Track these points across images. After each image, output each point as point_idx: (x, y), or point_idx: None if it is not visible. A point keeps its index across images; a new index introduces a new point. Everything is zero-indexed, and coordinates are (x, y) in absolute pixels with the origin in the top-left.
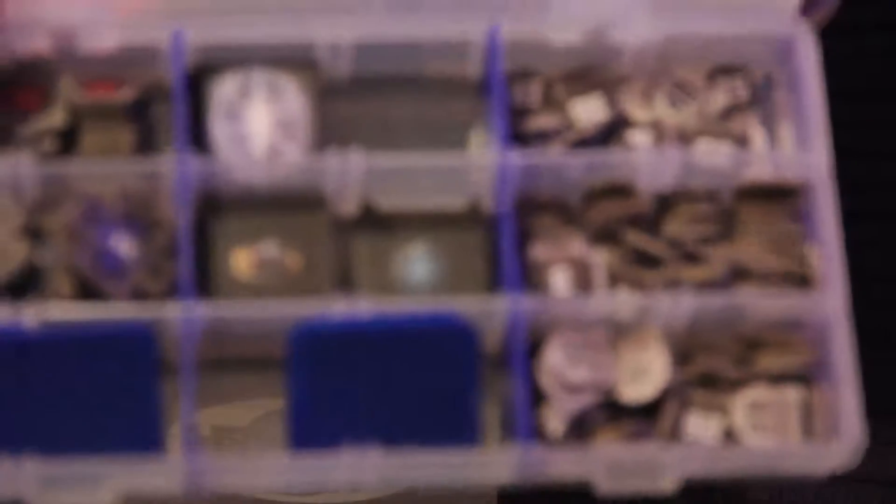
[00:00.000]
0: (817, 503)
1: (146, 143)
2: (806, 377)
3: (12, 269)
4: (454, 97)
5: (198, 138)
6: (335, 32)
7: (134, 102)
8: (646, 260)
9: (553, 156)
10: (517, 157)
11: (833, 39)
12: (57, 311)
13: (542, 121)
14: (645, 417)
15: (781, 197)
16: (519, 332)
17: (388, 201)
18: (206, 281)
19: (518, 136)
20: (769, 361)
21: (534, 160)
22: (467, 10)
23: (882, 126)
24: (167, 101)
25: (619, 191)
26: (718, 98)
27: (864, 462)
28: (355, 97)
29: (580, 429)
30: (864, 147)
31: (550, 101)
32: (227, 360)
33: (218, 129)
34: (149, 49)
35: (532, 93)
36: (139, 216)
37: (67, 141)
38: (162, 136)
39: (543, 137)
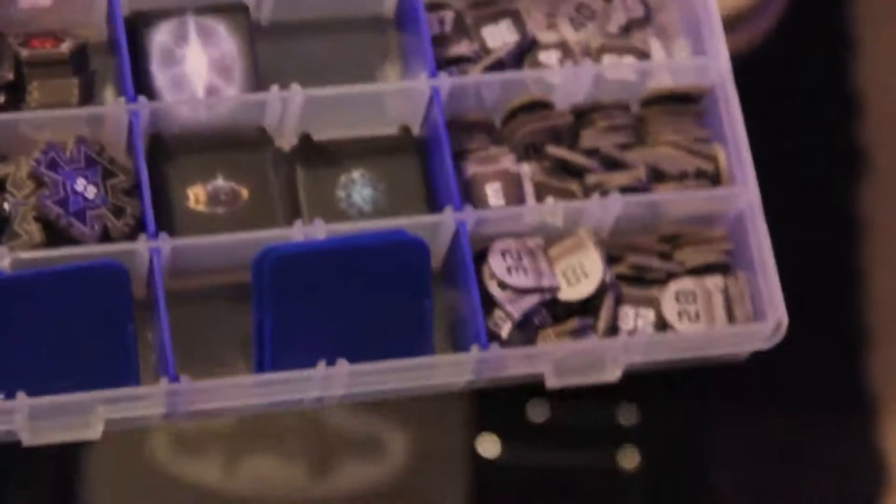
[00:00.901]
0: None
1: (89, 92)
2: (726, 267)
3: None
4: (370, 34)
5: (138, 85)
6: None
7: (75, 53)
8: (569, 170)
9: (476, 77)
10: (445, 81)
11: None
12: (29, 254)
13: (459, 48)
14: (585, 314)
15: (686, 102)
16: (464, 244)
17: (324, 133)
18: (165, 218)
19: (438, 63)
20: (691, 255)
21: (460, 83)
22: None
23: None
24: (104, 51)
25: (538, 106)
26: (616, 16)
27: None
28: (279, 40)
29: (527, 329)
30: None
31: (463, 30)
32: (192, 291)
33: (158, 74)
34: (84, 2)
35: (446, 22)
36: (97, 160)
37: (15, 94)
38: (103, 84)
39: (461, 63)
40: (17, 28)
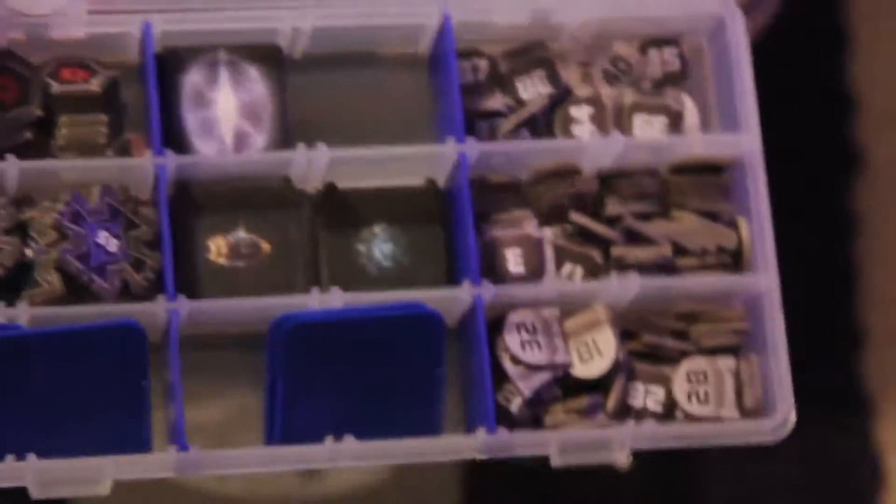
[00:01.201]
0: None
1: (118, 127)
2: (739, 348)
3: (8, 266)
4: (403, 71)
5: (166, 125)
6: (297, 20)
7: (106, 90)
8: (592, 237)
9: (505, 143)
10: (472, 147)
11: None
12: (47, 310)
13: (492, 102)
14: (594, 389)
15: (714, 173)
16: (479, 320)
17: (349, 180)
18: (184, 270)
19: (469, 114)
20: (705, 334)
21: (488, 148)
22: None
23: None
24: (134, 84)
25: (565, 172)
26: (651, 70)
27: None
28: (312, 72)
29: (536, 404)
30: None
31: (496, 79)
32: (206, 338)
33: (187, 116)
34: (117, 36)
35: (480, 71)
36: (120, 211)
37: (43, 129)
38: (131, 117)
39: (493, 117)
40: (48, 56)
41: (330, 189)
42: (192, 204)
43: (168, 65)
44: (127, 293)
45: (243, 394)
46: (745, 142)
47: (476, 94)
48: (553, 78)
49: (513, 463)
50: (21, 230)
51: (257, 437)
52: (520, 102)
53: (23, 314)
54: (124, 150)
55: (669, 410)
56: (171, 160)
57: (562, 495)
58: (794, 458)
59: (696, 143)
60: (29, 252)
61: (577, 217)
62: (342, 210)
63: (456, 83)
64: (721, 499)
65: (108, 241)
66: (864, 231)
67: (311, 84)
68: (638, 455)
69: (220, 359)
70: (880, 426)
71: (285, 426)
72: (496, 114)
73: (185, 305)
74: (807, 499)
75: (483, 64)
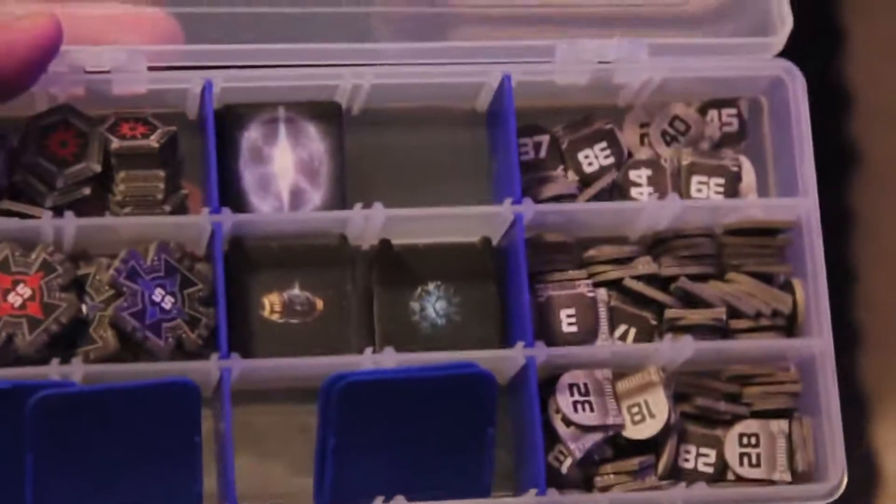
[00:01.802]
0: None
1: (175, 182)
2: (793, 411)
3: (64, 322)
4: (462, 130)
5: (223, 180)
6: (357, 77)
7: (164, 146)
8: (646, 299)
9: (562, 205)
10: (529, 208)
11: None
12: (100, 367)
13: (556, 188)
14: (646, 452)
15: (769, 235)
16: (532, 382)
17: (404, 237)
18: (238, 324)
19: (534, 197)
20: (758, 397)
21: (543, 209)
22: (480, 55)
23: None
24: (190, 136)
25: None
26: (709, 130)
27: None
28: (367, 130)
29: (587, 465)
30: None
31: (557, 154)
32: (256, 394)
33: (245, 173)
34: (177, 91)
35: (542, 147)
36: (176, 269)
37: (102, 184)
38: (186, 170)
39: (561, 200)
40: (106, 110)
41: (385, 246)
42: (247, 261)
43: (227, 121)
44: (180, 350)
45: (292, 448)
46: (802, 205)
47: (539, 170)
48: (614, 147)
49: None
50: (77, 286)
51: (305, 492)
52: (582, 175)
53: (77, 371)
54: (181, 205)
55: (721, 473)
56: (228, 218)
57: None
58: None
59: (754, 206)
60: (84, 308)
61: (633, 283)
62: (396, 267)
63: (514, 143)
64: None
65: (163, 298)
66: (860, 229)
67: (367, 139)
68: None
69: (270, 413)
70: (877, 425)
71: (335, 484)
72: (566, 198)
73: (238, 364)
74: None
75: (545, 140)
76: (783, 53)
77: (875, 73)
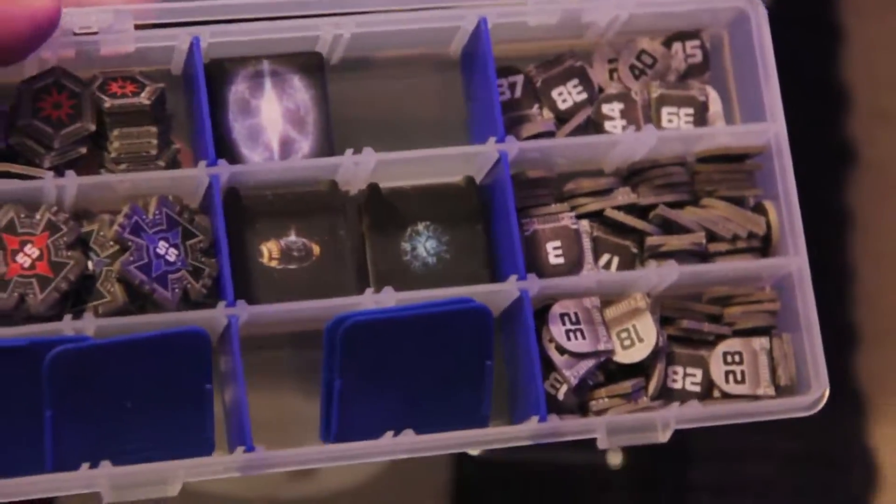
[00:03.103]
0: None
1: (166, 138)
2: (772, 328)
3: (72, 279)
4: (436, 74)
5: (214, 132)
6: (338, 27)
7: (154, 102)
8: (626, 230)
9: (543, 141)
10: (513, 146)
11: None
12: (111, 321)
13: (534, 126)
14: (635, 374)
15: (738, 160)
16: (527, 313)
17: (391, 181)
18: (239, 273)
19: (513, 134)
20: (739, 317)
21: (527, 146)
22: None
23: None
24: (177, 94)
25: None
26: (675, 63)
27: None
28: (347, 79)
29: (582, 390)
30: None
31: (532, 93)
32: (259, 339)
33: (234, 125)
34: (163, 49)
35: (517, 87)
36: (178, 221)
37: (96, 143)
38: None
39: (540, 137)
40: (96, 71)
41: (374, 190)
42: (243, 211)
43: (213, 76)
44: (186, 301)
45: (296, 392)
46: (771, 129)
47: (515, 110)
48: (586, 83)
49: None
50: (81, 243)
51: (312, 434)
52: (557, 112)
53: (89, 326)
54: (174, 160)
55: (707, 391)
56: (225, 169)
57: (551, 495)
58: (788, 458)
59: (725, 133)
60: (90, 264)
61: (614, 213)
62: (386, 210)
63: (494, 84)
64: (717, 498)
65: (167, 250)
66: (860, 229)
67: (347, 88)
68: (631, 455)
69: (273, 359)
70: (874, 424)
71: (342, 422)
72: (543, 134)
73: (244, 310)
74: (802, 498)
75: (519, 80)
76: (782, 51)
77: (874, 73)
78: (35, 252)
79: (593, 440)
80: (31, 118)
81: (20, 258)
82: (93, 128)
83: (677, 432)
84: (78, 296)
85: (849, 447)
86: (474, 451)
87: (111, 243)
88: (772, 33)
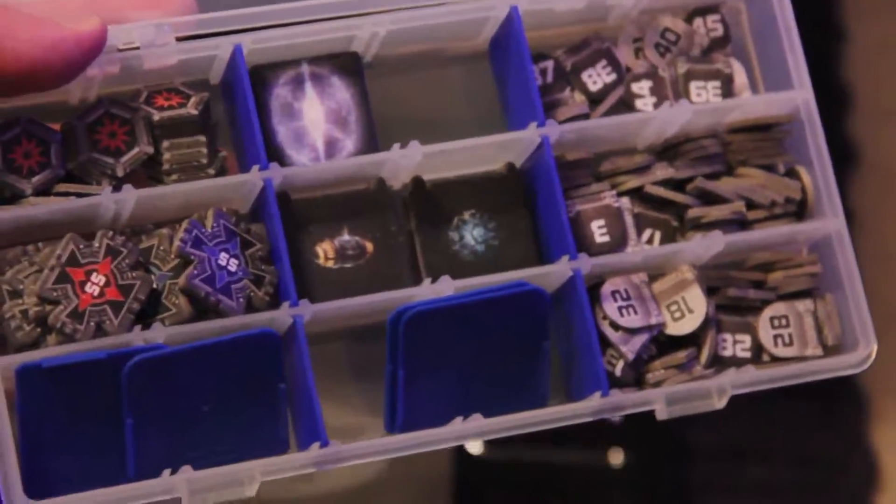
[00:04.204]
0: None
1: (213, 147)
2: (815, 290)
3: (142, 298)
4: (467, 65)
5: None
6: (375, 25)
7: (201, 111)
8: (666, 202)
9: (581, 123)
10: (554, 129)
11: None
12: (181, 329)
13: (569, 110)
14: (686, 345)
15: (767, 129)
16: (581, 292)
17: (433, 173)
18: (297, 276)
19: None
20: (782, 281)
21: (567, 128)
22: None
23: None
24: (218, 101)
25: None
26: (698, 38)
27: None
28: (382, 76)
29: (637, 364)
30: None
31: (563, 76)
32: (319, 336)
33: (279, 128)
34: (201, 59)
35: (548, 72)
36: (235, 232)
37: (150, 159)
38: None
39: (574, 120)
40: (140, 85)
41: (418, 183)
42: (296, 214)
43: (255, 82)
44: (250, 309)
45: (357, 385)
46: (799, 96)
47: (548, 95)
48: (614, 64)
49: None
50: (147, 263)
51: (375, 426)
52: (588, 94)
53: (159, 335)
54: (222, 167)
55: (757, 356)
56: (277, 172)
57: (552, 495)
58: (790, 458)
59: (755, 103)
60: (154, 279)
61: (654, 189)
62: (431, 202)
63: (531, 70)
64: (715, 498)
65: (228, 261)
66: (859, 228)
67: (382, 85)
68: (632, 455)
69: (333, 354)
70: (876, 425)
71: (408, 411)
72: (580, 117)
73: (308, 310)
74: (803, 498)
75: (549, 65)
76: None
77: (875, 73)
78: (102, 279)
79: (592, 439)
80: (90, 152)
81: (89, 288)
82: (151, 150)
83: (679, 432)
84: (144, 312)
85: (850, 448)
86: (475, 450)
87: (171, 257)
88: None
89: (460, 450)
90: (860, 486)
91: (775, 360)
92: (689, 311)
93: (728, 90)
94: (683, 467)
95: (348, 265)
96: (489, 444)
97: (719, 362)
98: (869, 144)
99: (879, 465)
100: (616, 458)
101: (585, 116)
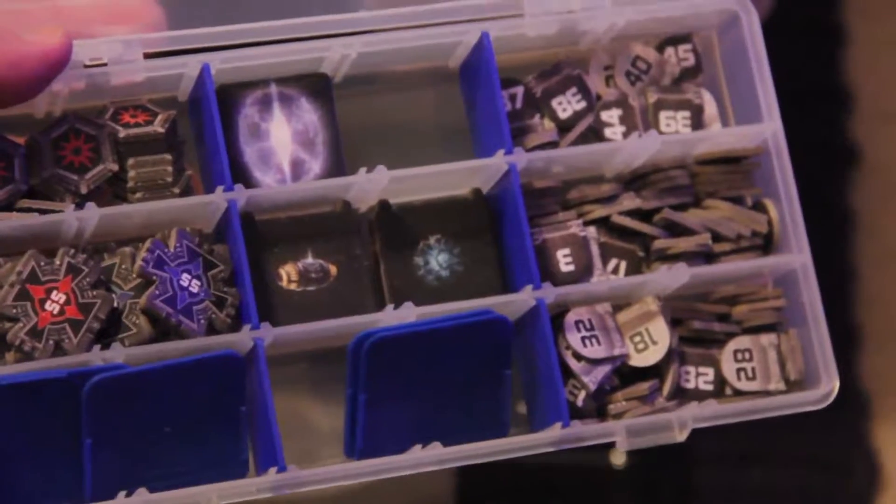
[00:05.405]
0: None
1: (179, 165)
2: (779, 325)
3: (103, 318)
4: (436, 87)
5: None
6: (346, 48)
7: (168, 130)
8: (632, 234)
9: (550, 154)
10: (521, 157)
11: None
12: (141, 350)
13: (538, 137)
14: (649, 376)
15: (736, 162)
16: (544, 321)
17: (399, 196)
18: (259, 297)
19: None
20: (747, 314)
21: (534, 156)
22: (453, 15)
23: None
24: (184, 120)
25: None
26: (669, 68)
27: None
28: (350, 97)
29: (599, 395)
30: None
31: (532, 103)
32: (279, 358)
33: (245, 149)
34: (170, 76)
35: (517, 98)
36: (198, 252)
37: (117, 178)
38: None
39: (544, 147)
40: (106, 101)
41: (384, 207)
42: (260, 235)
43: (222, 101)
44: (211, 331)
45: (316, 409)
46: (769, 129)
47: (517, 121)
48: (584, 92)
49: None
50: (108, 281)
51: (333, 450)
52: (558, 121)
53: (118, 356)
54: (187, 186)
55: (720, 389)
56: (242, 194)
57: (554, 496)
58: (791, 459)
59: (725, 135)
60: (115, 299)
61: (621, 219)
62: (397, 226)
63: (500, 97)
64: (717, 499)
65: (190, 282)
66: (861, 229)
67: (351, 106)
68: (634, 457)
69: (296, 378)
70: (877, 426)
71: (367, 437)
72: (548, 145)
73: (269, 333)
74: (805, 500)
75: (519, 91)
76: (785, 53)
77: (878, 74)
78: (62, 297)
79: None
80: (54, 168)
81: (49, 306)
82: (116, 168)
83: None
84: (104, 331)
85: (852, 449)
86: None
87: (133, 276)
88: (774, 35)
89: None
90: (862, 488)
91: (738, 393)
92: (652, 343)
93: (698, 121)
94: (685, 469)
95: (311, 288)
96: None
97: (682, 394)
98: (870, 145)
99: (881, 467)
100: (618, 459)
101: (555, 144)
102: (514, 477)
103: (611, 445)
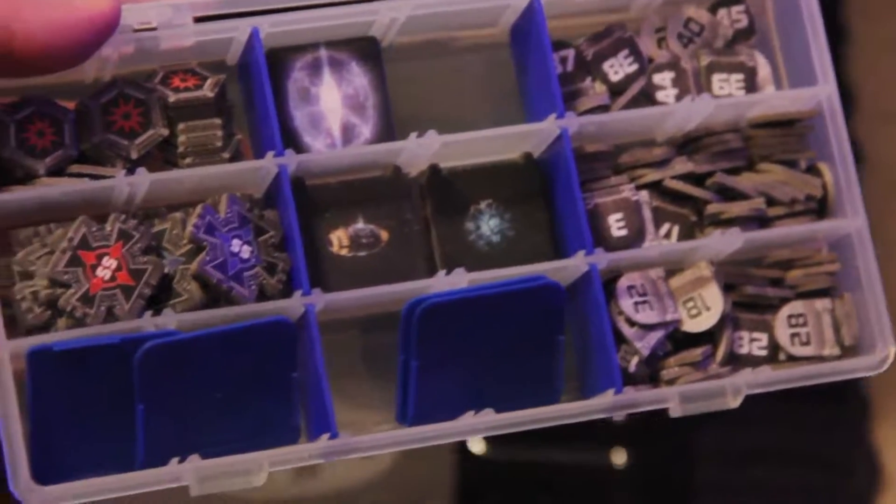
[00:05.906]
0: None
1: (229, 130)
2: (833, 289)
3: (154, 284)
4: (485, 53)
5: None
6: (395, 11)
7: (217, 94)
8: (685, 198)
9: (601, 115)
10: (573, 121)
11: None
12: (192, 315)
13: (590, 101)
14: (702, 342)
15: (790, 125)
16: (596, 287)
17: (450, 160)
18: (310, 263)
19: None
20: (801, 279)
21: (586, 121)
22: None
23: None
24: (232, 84)
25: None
26: (722, 30)
27: None
28: (399, 62)
29: (652, 361)
30: None
31: (584, 66)
32: (330, 325)
33: (295, 114)
34: (218, 41)
35: (568, 61)
36: (248, 218)
37: (167, 143)
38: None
39: (595, 111)
40: (155, 65)
41: (435, 171)
42: (311, 201)
43: (272, 65)
44: (262, 297)
45: (368, 375)
46: (823, 91)
47: (568, 84)
48: (636, 54)
49: None
50: (159, 247)
51: (386, 417)
52: (609, 84)
53: (170, 321)
54: (237, 151)
55: (773, 355)
56: (293, 159)
57: (554, 495)
58: (792, 459)
59: (779, 97)
60: (165, 265)
61: (674, 183)
62: (448, 191)
63: (551, 60)
64: (719, 498)
65: (241, 248)
66: None
67: (399, 70)
68: (635, 455)
69: (344, 343)
70: (879, 425)
71: (420, 404)
72: (600, 109)
73: (320, 299)
74: (806, 499)
75: (570, 54)
76: None
77: (879, 74)
78: (113, 263)
79: (595, 440)
80: (104, 133)
81: (100, 272)
82: (166, 132)
83: (682, 433)
84: (155, 297)
85: (853, 448)
86: (476, 449)
87: (184, 242)
88: None
89: (462, 449)
90: (863, 487)
91: (792, 359)
92: (705, 309)
93: (751, 84)
94: (687, 468)
95: (362, 253)
96: (491, 443)
97: (735, 360)
98: (870, 144)
99: (882, 467)
100: (619, 458)
101: (606, 107)
102: (515, 474)
103: (612, 445)
